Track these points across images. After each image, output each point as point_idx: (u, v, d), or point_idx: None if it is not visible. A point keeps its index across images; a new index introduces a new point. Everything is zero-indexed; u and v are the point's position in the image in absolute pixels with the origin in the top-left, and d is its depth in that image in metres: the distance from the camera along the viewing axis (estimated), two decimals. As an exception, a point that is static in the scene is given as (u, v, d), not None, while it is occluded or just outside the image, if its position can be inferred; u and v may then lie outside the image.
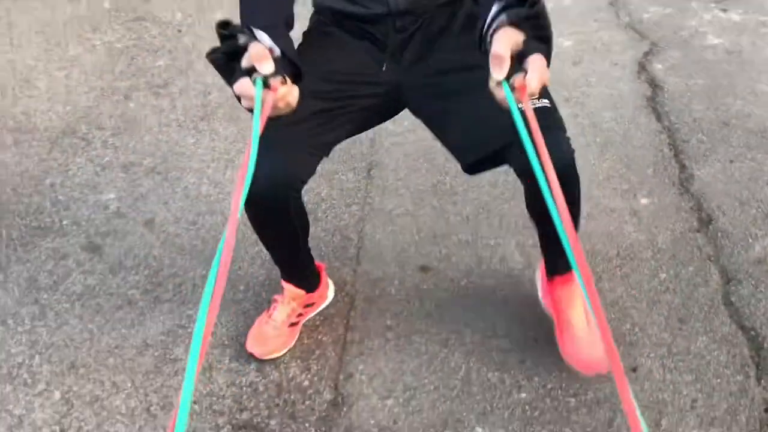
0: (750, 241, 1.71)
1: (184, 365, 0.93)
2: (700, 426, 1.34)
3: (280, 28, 1.03)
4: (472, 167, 1.24)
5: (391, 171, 1.95)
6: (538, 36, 0.91)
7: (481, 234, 1.73)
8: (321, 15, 1.30)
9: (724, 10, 2.62)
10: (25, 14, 2.74)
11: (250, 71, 0.92)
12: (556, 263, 1.37)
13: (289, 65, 0.98)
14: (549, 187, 0.75)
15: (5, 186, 1.94)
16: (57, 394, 1.43)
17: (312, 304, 1.51)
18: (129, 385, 1.44)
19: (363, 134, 1.48)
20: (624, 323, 1.52)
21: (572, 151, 1.16)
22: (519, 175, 1.19)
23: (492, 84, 0.90)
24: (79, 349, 1.51)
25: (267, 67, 0.91)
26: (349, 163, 1.97)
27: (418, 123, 1.35)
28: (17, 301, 1.62)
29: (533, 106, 0.98)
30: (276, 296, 1.49)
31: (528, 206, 1.31)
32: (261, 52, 0.91)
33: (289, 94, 0.94)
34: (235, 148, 2.04)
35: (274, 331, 1.45)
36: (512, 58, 0.89)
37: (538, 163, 0.77)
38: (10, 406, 1.41)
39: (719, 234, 1.73)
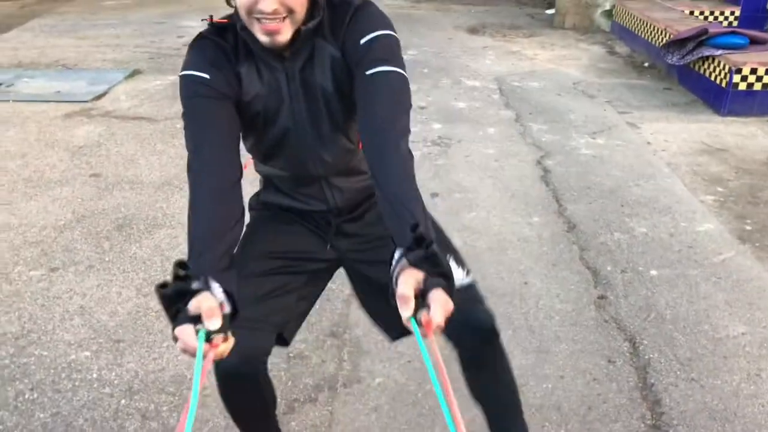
0: (597, 235, 2.84)
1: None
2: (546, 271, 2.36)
3: (230, 268, 1.05)
4: (396, 337, 1.40)
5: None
6: (437, 272, 0.95)
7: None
8: (266, 207, 1.41)
9: (593, 138, 3.99)
10: (120, 130, 3.96)
11: (195, 318, 0.93)
12: None
13: (232, 308, 1.00)
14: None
15: (130, 207, 2.99)
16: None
17: None
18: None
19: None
20: (518, 274, 2.58)
21: (492, 318, 1.26)
22: (454, 342, 1.28)
23: (404, 320, 0.94)
24: (194, 274, 2.49)
25: (214, 323, 0.93)
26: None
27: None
28: (150, 254, 2.61)
29: (462, 283, 1.14)
30: None
31: (470, 387, 1.37)
32: (212, 308, 0.93)
33: (226, 349, 0.96)
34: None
35: None
36: (416, 296, 0.93)
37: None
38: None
39: (579, 232, 2.86)
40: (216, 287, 0.99)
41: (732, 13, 6.51)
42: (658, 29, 5.51)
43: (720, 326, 2.24)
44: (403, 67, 1.19)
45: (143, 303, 2.31)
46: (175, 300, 0.96)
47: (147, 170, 3.40)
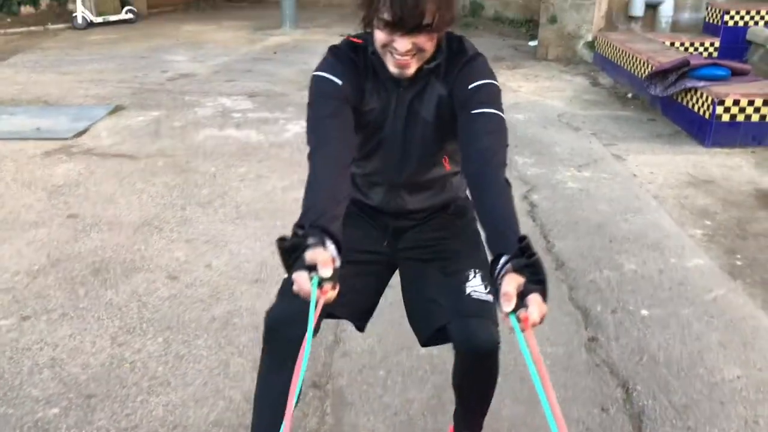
0: (586, 273, 2.78)
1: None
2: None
3: (339, 225, 1.21)
4: (425, 342, 1.51)
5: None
6: (535, 279, 1.10)
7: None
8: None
9: (579, 171, 3.97)
10: (100, 168, 3.88)
11: (310, 266, 1.09)
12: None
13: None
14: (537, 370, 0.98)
15: (107, 250, 2.91)
16: (160, 339, 2.29)
17: None
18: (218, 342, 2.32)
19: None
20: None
21: (494, 343, 1.41)
22: (455, 349, 1.44)
23: (502, 315, 1.09)
24: (172, 318, 2.39)
25: (327, 272, 1.07)
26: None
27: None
28: (126, 300, 2.52)
29: (481, 297, 1.39)
30: None
31: (453, 376, 1.62)
32: (327, 259, 1.09)
33: (333, 295, 1.11)
34: (263, 233, 3.08)
35: None
36: (516, 295, 1.08)
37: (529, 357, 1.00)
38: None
39: (568, 270, 2.81)
40: (329, 244, 1.14)
41: (712, 44, 6.60)
42: (640, 60, 5.55)
43: (715, 369, 2.18)
44: (502, 111, 1.38)
45: (118, 353, 2.21)
46: (291, 252, 1.13)
47: (126, 210, 3.31)
